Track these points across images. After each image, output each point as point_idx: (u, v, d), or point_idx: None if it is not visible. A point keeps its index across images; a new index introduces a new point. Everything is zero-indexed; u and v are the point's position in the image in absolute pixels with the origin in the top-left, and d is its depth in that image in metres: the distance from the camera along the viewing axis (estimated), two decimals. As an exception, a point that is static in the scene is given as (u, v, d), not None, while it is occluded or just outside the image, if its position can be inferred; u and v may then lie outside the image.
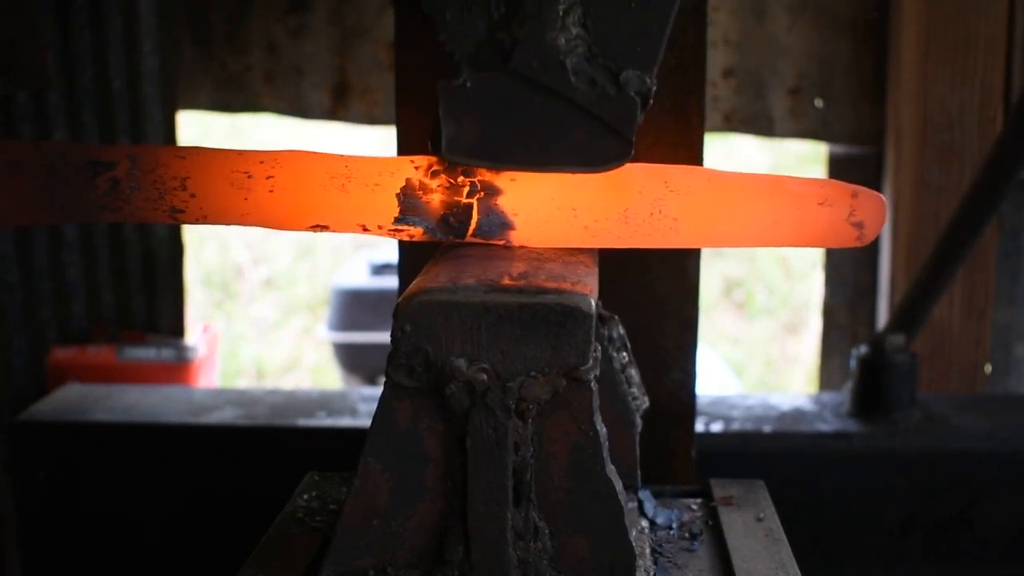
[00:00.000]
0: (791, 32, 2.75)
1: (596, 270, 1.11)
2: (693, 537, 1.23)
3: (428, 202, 1.12)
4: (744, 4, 2.73)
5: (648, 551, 1.18)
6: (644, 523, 1.25)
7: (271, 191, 1.12)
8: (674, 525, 1.26)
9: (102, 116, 2.64)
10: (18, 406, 2.12)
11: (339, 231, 1.14)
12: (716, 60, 2.73)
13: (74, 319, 2.69)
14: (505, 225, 1.13)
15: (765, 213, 1.14)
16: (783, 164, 6.62)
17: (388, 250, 4.56)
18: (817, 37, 2.75)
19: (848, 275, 2.93)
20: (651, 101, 1.09)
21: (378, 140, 6.24)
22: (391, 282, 4.26)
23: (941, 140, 2.66)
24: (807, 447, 1.92)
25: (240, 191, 1.12)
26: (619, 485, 1.03)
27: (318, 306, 6.10)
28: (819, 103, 2.78)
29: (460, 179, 1.12)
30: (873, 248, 2.88)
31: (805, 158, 6.38)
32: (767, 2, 2.74)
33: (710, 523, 1.27)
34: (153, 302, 2.77)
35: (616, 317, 1.32)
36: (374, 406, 1.02)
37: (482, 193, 1.12)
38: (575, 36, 1.06)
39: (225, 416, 1.99)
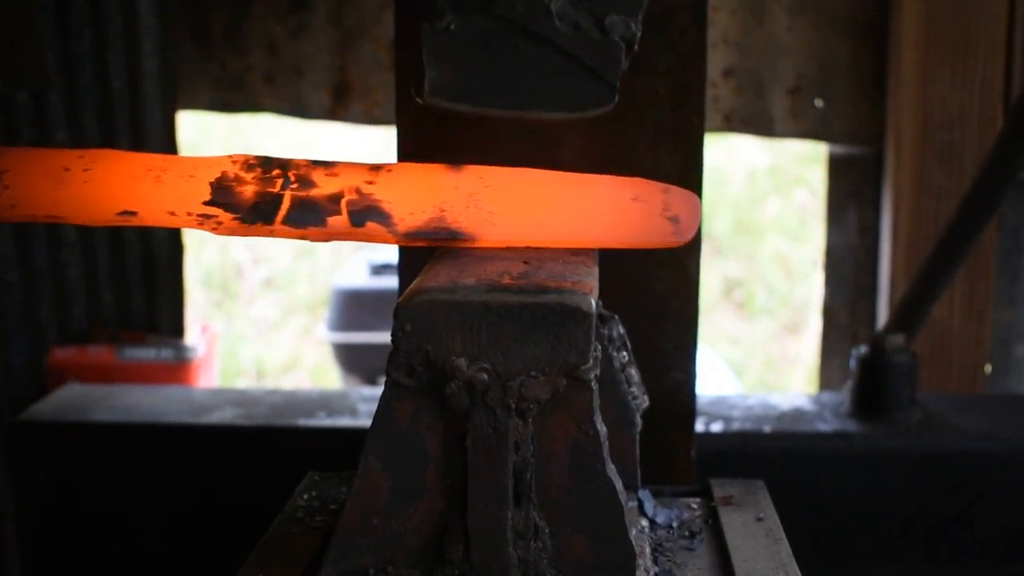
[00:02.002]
0: (791, 32, 2.75)
1: (596, 270, 1.11)
2: (693, 536, 1.23)
3: (241, 192, 1.11)
4: (744, 4, 2.73)
5: (648, 550, 1.18)
6: (644, 522, 1.25)
7: (85, 183, 1.11)
8: (674, 524, 1.26)
9: (102, 116, 2.64)
10: (18, 406, 2.12)
11: (147, 219, 1.12)
12: (716, 60, 2.73)
13: (74, 319, 2.69)
14: (320, 213, 1.11)
15: (580, 209, 1.14)
16: (783, 164, 6.62)
17: (388, 250, 4.56)
18: (817, 37, 2.75)
19: (848, 275, 2.93)
20: (636, 47, 1.09)
21: (378, 140, 6.25)
22: (391, 282, 4.26)
23: (941, 140, 2.66)
24: (807, 447, 1.92)
25: (52, 182, 1.11)
26: (619, 484, 1.03)
27: (318, 306, 6.10)
28: (819, 103, 2.78)
29: (275, 172, 1.11)
30: (873, 248, 2.88)
31: (805, 158, 6.38)
32: (767, 2, 2.74)
33: (710, 523, 1.27)
34: (153, 302, 2.77)
35: (616, 317, 1.32)
36: (374, 406, 1.02)
37: (296, 185, 1.11)
38: None
39: (225, 416, 1.99)
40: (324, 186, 1.12)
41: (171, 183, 1.11)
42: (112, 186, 1.11)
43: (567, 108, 1.09)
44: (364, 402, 2.06)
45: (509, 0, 1.05)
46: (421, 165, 1.13)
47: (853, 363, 2.05)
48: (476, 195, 1.12)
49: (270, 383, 5.63)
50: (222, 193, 1.11)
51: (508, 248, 1.14)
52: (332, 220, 1.12)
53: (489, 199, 1.13)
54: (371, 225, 1.12)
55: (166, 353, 2.67)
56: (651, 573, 1.14)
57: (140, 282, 2.75)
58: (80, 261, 2.68)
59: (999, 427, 1.96)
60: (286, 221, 1.12)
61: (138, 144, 2.67)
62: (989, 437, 1.93)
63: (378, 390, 1.05)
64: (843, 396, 2.07)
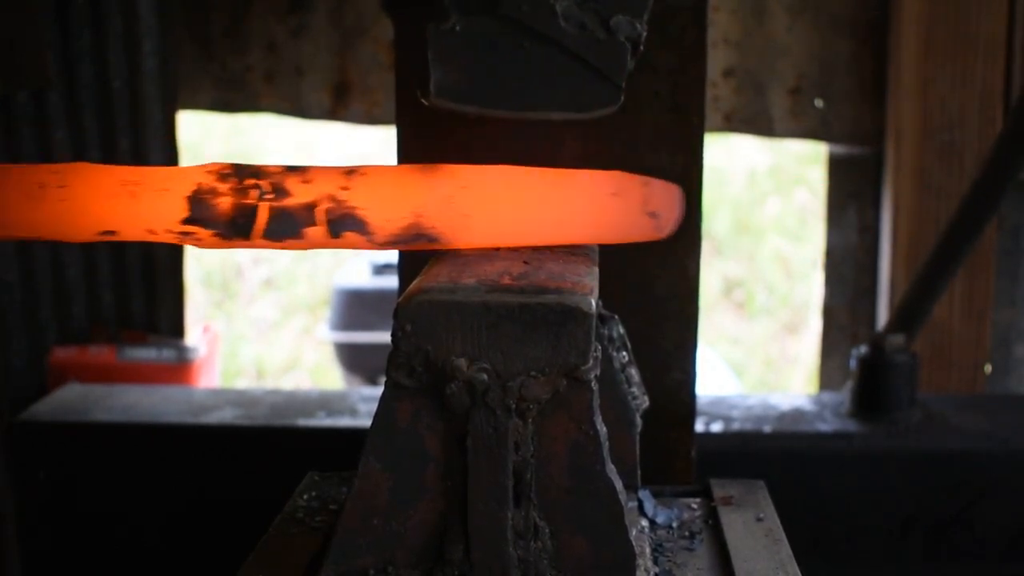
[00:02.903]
0: (791, 32, 2.75)
1: (596, 270, 1.11)
2: (693, 536, 1.23)
3: (217, 205, 1.10)
4: (744, 4, 2.73)
5: (648, 550, 1.18)
6: (644, 523, 1.25)
7: (62, 200, 1.10)
8: (674, 525, 1.26)
9: (102, 116, 2.64)
10: (18, 406, 2.12)
11: (127, 237, 1.11)
12: (716, 60, 2.73)
13: (74, 319, 2.69)
14: (297, 225, 1.11)
15: (559, 207, 1.13)
16: (783, 164, 6.62)
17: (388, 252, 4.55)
18: (817, 37, 2.75)
19: (848, 275, 2.93)
20: (641, 47, 1.08)
21: (378, 140, 6.25)
22: (392, 282, 4.26)
23: (941, 140, 2.66)
24: (807, 447, 1.92)
25: (29, 201, 1.10)
26: (619, 485, 1.03)
27: (318, 306, 6.10)
28: (819, 103, 2.78)
29: (249, 182, 1.10)
30: (873, 248, 2.88)
31: (805, 158, 6.38)
32: (767, 2, 2.74)
33: (710, 523, 1.27)
34: (153, 302, 2.77)
35: (616, 317, 1.32)
36: (374, 406, 1.02)
37: (271, 195, 1.10)
38: None
39: (225, 416, 1.99)
40: (299, 194, 1.10)
41: (146, 198, 1.10)
42: (89, 203, 1.10)
43: (573, 108, 1.09)
44: (364, 402, 2.06)
45: (514, 1, 1.05)
46: (395, 167, 1.12)
47: (853, 363, 2.05)
48: (452, 197, 1.11)
49: (270, 383, 5.63)
50: (199, 208, 1.10)
51: (507, 248, 1.14)
52: (309, 231, 1.10)
53: (465, 200, 1.11)
54: (348, 235, 1.11)
55: (167, 353, 2.67)
56: (651, 573, 1.14)
57: (140, 282, 2.75)
58: (80, 261, 2.68)
59: (999, 427, 1.96)
60: (265, 235, 1.10)
61: (138, 144, 2.67)
62: (989, 437, 1.93)
63: (378, 390, 1.05)
64: (843, 396, 2.07)
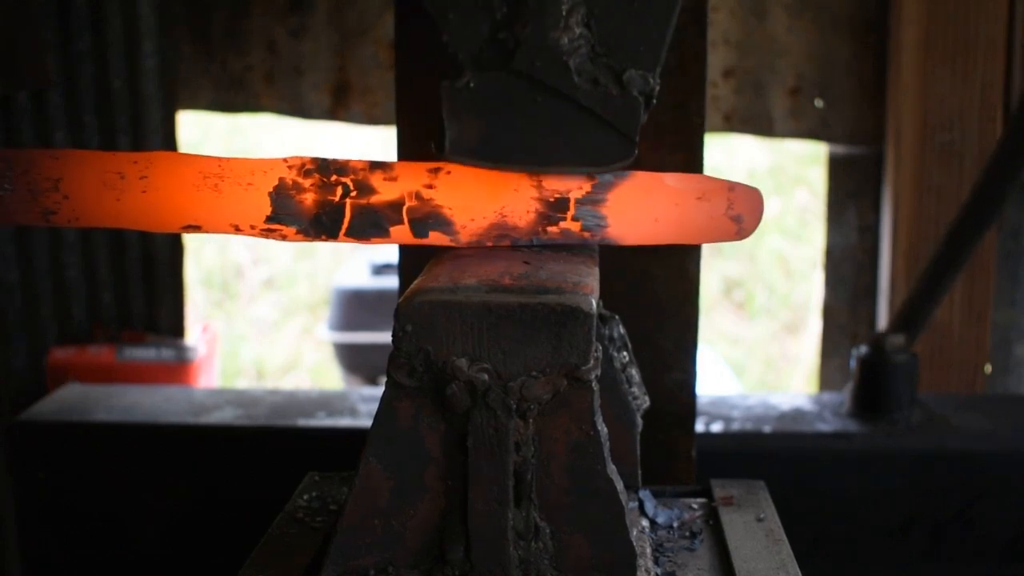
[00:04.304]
0: (791, 32, 2.75)
1: (597, 270, 1.11)
2: (693, 536, 1.23)
3: (301, 201, 1.11)
4: (744, 4, 2.73)
5: (649, 550, 1.18)
6: (645, 522, 1.25)
7: (144, 191, 1.11)
8: (675, 525, 1.26)
9: (102, 116, 2.64)
10: (18, 406, 2.13)
11: (211, 231, 1.12)
12: (716, 60, 2.73)
13: (74, 319, 2.69)
14: (382, 223, 1.11)
15: (646, 210, 1.14)
16: (783, 164, 6.63)
17: (388, 250, 4.56)
18: (817, 37, 2.75)
19: (848, 275, 2.93)
20: (654, 101, 1.09)
21: (378, 140, 6.24)
22: (392, 282, 4.26)
23: (941, 140, 2.66)
24: (807, 447, 1.92)
25: (112, 192, 1.11)
26: (620, 485, 1.03)
27: (318, 306, 6.10)
28: (819, 103, 2.78)
29: (333, 178, 1.11)
30: (873, 248, 2.88)
31: (805, 158, 6.39)
32: (767, 2, 2.74)
33: (710, 523, 1.27)
34: (153, 302, 2.77)
35: (616, 317, 1.32)
36: (374, 406, 1.02)
37: (355, 193, 1.11)
38: (578, 36, 1.06)
39: (225, 416, 1.99)
40: (384, 192, 1.11)
41: (230, 192, 1.11)
42: (172, 195, 1.10)
43: (587, 163, 1.09)
44: (364, 402, 2.06)
45: (528, 57, 1.05)
46: (479, 169, 1.12)
47: (853, 363, 2.05)
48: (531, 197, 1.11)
49: (270, 383, 5.63)
50: (283, 205, 1.10)
51: (509, 248, 1.14)
52: (395, 230, 1.12)
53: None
54: (434, 235, 1.12)
55: (166, 353, 2.66)
56: (652, 573, 1.14)
57: (140, 282, 2.75)
58: (80, 261, 2.68)
59: (999, 427, 1.96)
60: (349, 233, 1.11)
61: (138, 144, 2.67)
62: (989, 437, 1.93)
63: (378, 390, 1.05)
64: (843, 396, 2.07)
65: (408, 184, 1.11)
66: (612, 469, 1.03)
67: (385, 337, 1.01)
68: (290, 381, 5.69)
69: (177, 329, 2.81)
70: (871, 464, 1.91)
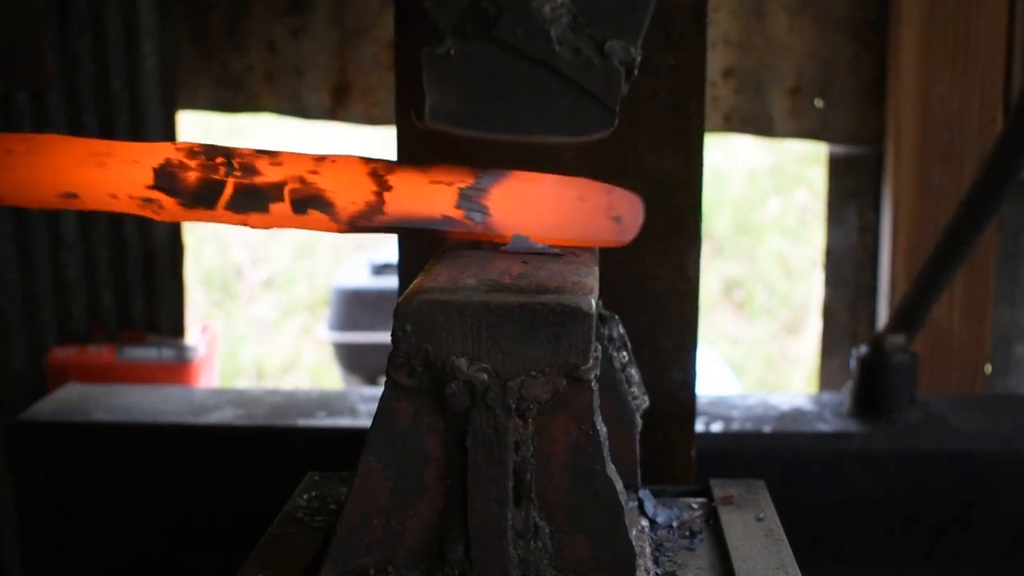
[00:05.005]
0: (791, 32, 2.75)
1: (596, 270, 1.11)
2: (693, 536, 1.23)
3: (184, 178, 1.11)
4: (744, 4, 2.73)
5: (648, 550, 1.18)
6: (644, 522, 1.25)
7: (30, 167, 1.11)
8: (674, 524, 1.26)
9: (102, 116, 2.64)
10: (18, 406, 2.12)
11: (89, 202, 1.12)
12: (716, 60, 2.73)
13: (74, 319, 2.69)
14: (262, 200, 1.11)
15: (528, 204, 1.14)
16: (783, 164, 6.63)
17: (388, 250, 4.56)
18: (817, 37, 2.75)
19: (848, 275, 2.93)
20: (636, 72, 1.09)
21: (378, 140, 6.24)
22: (391, 282, 4.26)
23: (941, 140, 2.66)
24: (807, 447, 1.92)
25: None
26: (619, 485, 1.03)
27: (318, 306, 6.11)
28: (819, 103, 2.78)
29: (219, 159, 1.11)
30: (873, 248, 2.88)
31: (805, 158, 6.39)
32: (767, 2, 2.74)
33: (710, 523, 1.27)
34: (153, 302, 2.78)
35: (616, 316, 1.32)
36: (374, 406, 1.02)
37: (239, 173, 1.11)
38: (560, 5, 1.06)
39: (225, 416, 1.99)
40: (268, 175, 1.12)
41: (114, 167, 1.11)
42: (55, 170, 1.11)
43: (566, 132, 1.09)
44: (364, 402, 2.06)
45: (509, 25, 1.05)
46: (369, 158, 1.13)
47: (853, 363, 2.05)
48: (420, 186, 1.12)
49: (270, 383, 5.63)
50: (165, 179, 1.11)
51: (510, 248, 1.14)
52: (275, 207, 1.12)
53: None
54: (313, 213, 1.12)
55: (166, 353, 2.67)
56: (651, 573, 1.14)
57: (140, 282, 2.75)
58: (80, 261, 2.68)
59: (999, 427, 1.96)
60: (228, 206, 1.11)
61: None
62: (989, 437, 1.93)
63: (378, 390, 1.05)
64: (843, 396, 2.07)
65: (293, 170, 1.12)
66: (612, 469, 1.03)
67: (385, 337, 1.01)
68: (290, 381, 5.69)
69: (177, 329, 2.81)
70: (871, 464, 1.91)
